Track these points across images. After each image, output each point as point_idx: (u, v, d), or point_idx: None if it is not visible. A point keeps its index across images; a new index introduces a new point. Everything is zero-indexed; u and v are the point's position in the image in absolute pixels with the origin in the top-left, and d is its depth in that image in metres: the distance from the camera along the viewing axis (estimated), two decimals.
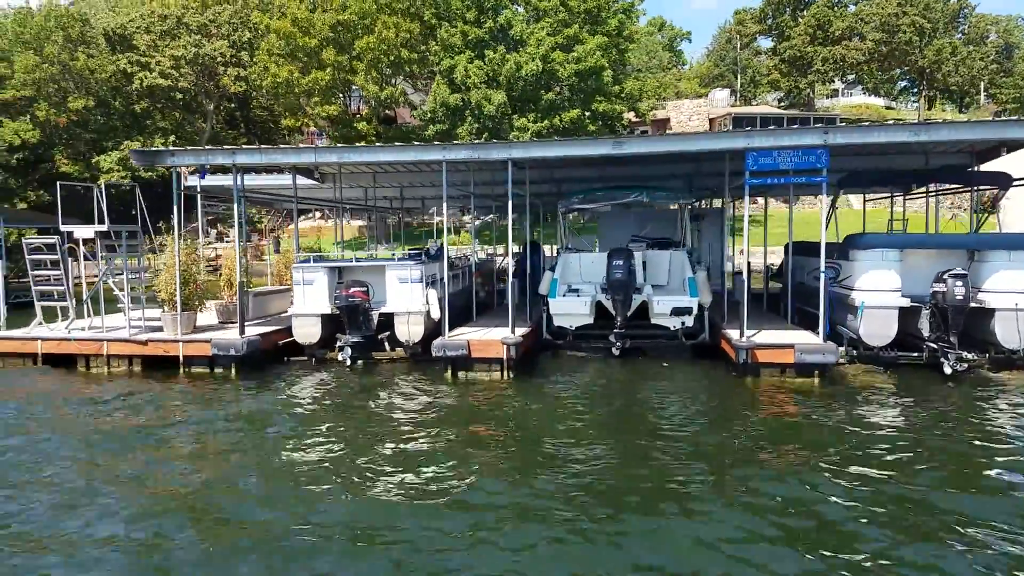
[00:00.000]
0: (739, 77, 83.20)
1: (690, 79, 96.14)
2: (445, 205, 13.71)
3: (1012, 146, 14.76)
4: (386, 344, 14.52)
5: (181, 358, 13.63)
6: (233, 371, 13.44)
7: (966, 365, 12.50)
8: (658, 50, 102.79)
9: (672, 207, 19.85)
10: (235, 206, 13.63)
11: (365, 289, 14.00)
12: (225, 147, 14.13)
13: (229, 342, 13.43)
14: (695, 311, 14.22)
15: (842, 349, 13.29)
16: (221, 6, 53.41)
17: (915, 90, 75.88)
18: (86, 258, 14.19)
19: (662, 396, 11.95)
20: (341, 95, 45.99)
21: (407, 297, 14.12)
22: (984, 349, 13.02)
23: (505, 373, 13.11)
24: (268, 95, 45.67)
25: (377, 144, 14.26)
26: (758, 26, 77.93)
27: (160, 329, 14.19)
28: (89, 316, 14.70)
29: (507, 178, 13.30)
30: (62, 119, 46.19)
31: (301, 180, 18.06)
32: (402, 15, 42.42)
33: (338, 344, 14.08)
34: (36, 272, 14.28)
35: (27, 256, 14.14)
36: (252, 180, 20.48)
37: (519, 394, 12.02)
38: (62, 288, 14.19)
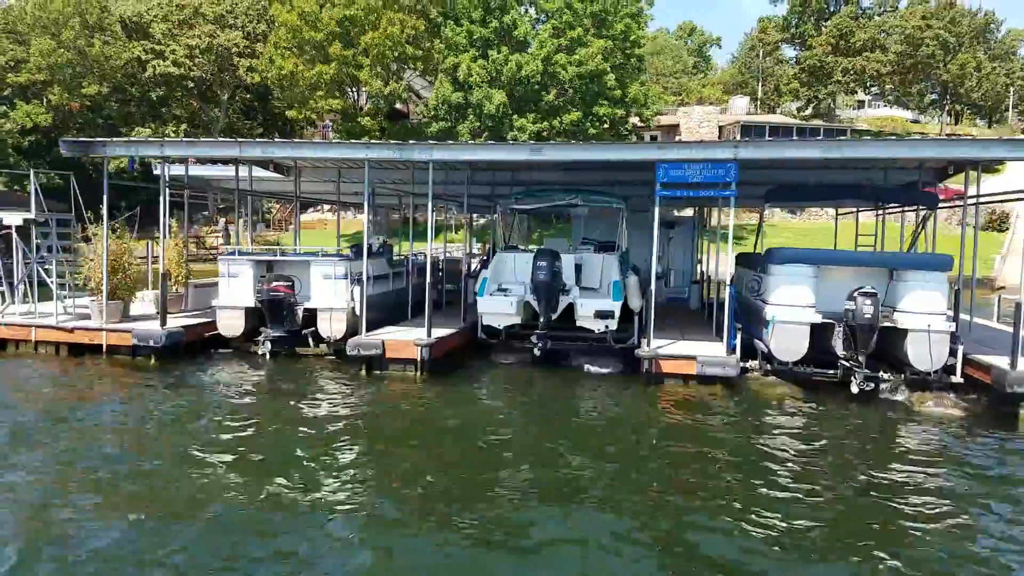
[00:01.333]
0: (761, 85, 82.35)
1: (713, 85, 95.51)
2: (367, 204, 13.83)
3: (956, 166, 14.58)
4: (310, 340, 14.67)
5: (104, 347, 13.93)
6: (152, 360, 13.70)
7: (872, 385, 12.33)
8: (683, 55, 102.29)
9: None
10: (161, 197, 13.86)
11: (289, 284, 14.18)
12: (152, 139, 14.31)
13: (149, 333, 13.68)
14: (618, 315, 14.17)
15: (755, 363, 13.23)
16: None
17: (943, 104, 74.48)
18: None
19: (557, 399, 12.00)
20: (349, 90, 46.33)
21: (331, 293, 14.27)
22: (900, 369, 12.82)
23: (419, 373, 13.18)
24: (273, 87, 46.13)
25: (301, 140, 14.36)
26: (781, 34, 77.04)
27: (89, 317, 14.50)
28: (32, 302, 15.07)
29: (427, 178, 13.37)
30: (75, 104, 47.20)
31: (262, 172, 18.34)
32: (408, 11, 42.69)
33: (258, 338, 14.27)
34: None
35: None
36: (216, 171, 20.83)
37: (421, 395, 12.13)
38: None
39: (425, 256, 19.07)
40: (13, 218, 13.84)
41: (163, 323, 13.97)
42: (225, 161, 18.53)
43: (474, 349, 15.34)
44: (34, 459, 8.41)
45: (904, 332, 12.42)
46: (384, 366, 13.31)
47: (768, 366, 13.18)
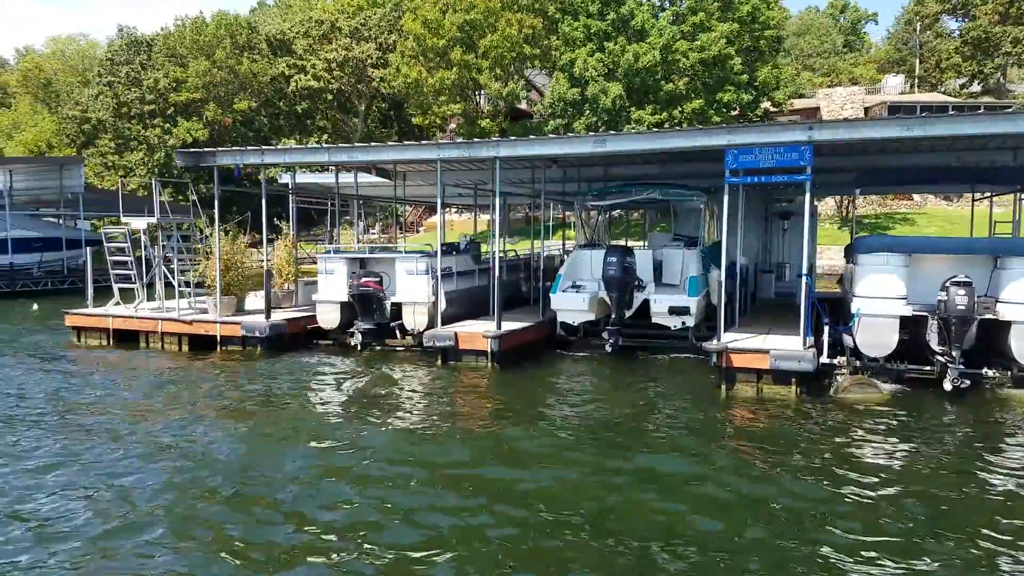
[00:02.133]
0: (919, 62, 76.45)
1: (866, 64, 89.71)
2: (440, 202, 14.33)
3: None
4: (397, 332, 15.40)
5: (218, 338, 15.29)
6: (259, 351, 14.90)
7: (967, 382, 11.38)
8: (832, 34, 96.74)
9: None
10: (263, 201, 15.01)
11: (379, 279, 14.96)
12: (252, 148, 15.50)
13: (255, 325, 14.91)
14: (695, 310, 13.90)
15: (843, 359, 12.55)
16: (372, 10, 56.93)
17: None
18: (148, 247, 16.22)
19: (618, 396, 11.97)
20: (472, 93, 47.53)
21: (414, 288, 14.92)
22: (1007, 366, 11.76)
23: (491, 364, 13.56)
24: (399, 94, 48.12)
25: (389, 144, 15.08)
26: (941, 5, 71.05)
27: (207, 311, 15.96)
28: (167, 299, 16.73)
29: (495, 176, 13.70)
30: (228, 119, 51.38)
31: (369, 178, 19.40)
32: (526, 11, 43.21)
33: (350, 330, 15.15)
34: (113, 258, 16.51)
35: (105, 245, 16.39)
36: (326, 178, 22.18)
37: (484, 384, 12.50)
38: (131, 272, 16.31)
39: (507, 253, 19.40)
40: (137, 223, 15.48)
41: (268, 316, 15.16)
42: (331, 167, 19.73)
43: (554, 344, 15.53)
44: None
45: (1008, 325, 11.41)
46: (458, 357, 13.78)
47: (857, 362, 12.46)
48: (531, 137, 13.99)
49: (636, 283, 14.49)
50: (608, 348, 14.15)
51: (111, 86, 51.56)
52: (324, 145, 14.35)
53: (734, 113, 43.15)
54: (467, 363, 13.77)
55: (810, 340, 12.25)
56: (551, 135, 12.10)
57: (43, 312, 21.86)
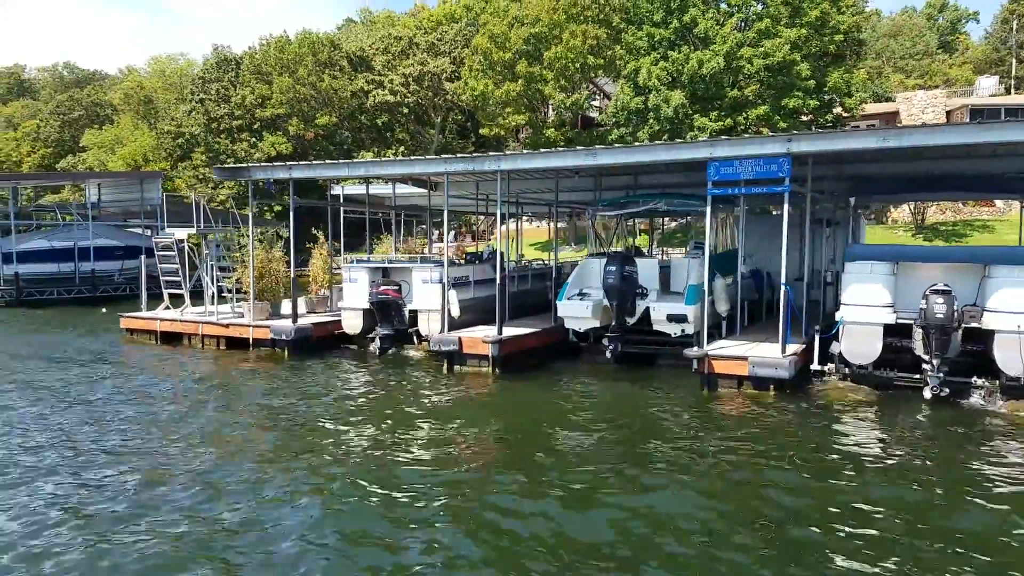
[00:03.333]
0: (1016, 62, 72.65)
1: (962, 65, 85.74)
2: (446, 213, 15.10)
3: None
4: (415, 337, 16.28)
5: (251, 340, 16.56)
6: (286, 353, 16.07)
7: (947, 391, 11.33)
8: (926, 35, 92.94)
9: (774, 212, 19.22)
10: (291, 212, 16.19)
11: (397, 288, 15.88)
12: (280, 163, 16.70)
13: (282, 328, 16.09)
14: (693, 318, 14.16)
15: (831, 366, 12.65)
16: (448, 26, 58.58)
17: None
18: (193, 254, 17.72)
19: (602, 400, 12.44)
20: (539, 103, 48.29)
21: (429, 296, 15.75)
22: (996, 375, 11.62)
23: (493, 369, 14.24)
24: (467, 107, 49.37)
25: (400, 158, 15.93)
26: None
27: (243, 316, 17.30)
28: (212, 303, 18.17)
29: (498, 187, 14.39)
30: (310, 133, 53.90)
31: (409, 189, 20.45)
32: (589, 22, 43.70)
33: (370, 335, 16.12)
34: (163, 266, 18.09)
35: (156, 253, 17.98)
36: (377, 189, 23.36)
37: (478, 387, 13.21)
38: (179, 279, 17.83)
39: (531, 262, 19.98)
40: (179, 233, 16.98)
41: (294, 320, 16.32)
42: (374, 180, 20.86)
43: (566, 350, 16.06)
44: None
45: (991, 333, 11.30)
46: (463, 361, 14.51)
47: (846, 369, 12.53)
48: (526, 151, 14.60)
49: (639, 291, 14.86)
50: (608, 355, 14.59)
51: (202, 103, 54.94)
52: (343, 161, 15.36)
53: (805, 119, 42.34)
54: (471, 367, 14.49)
55: (792, 347, 12.40)
56: (593, 148, 12.52)
57: (111, 315, 23.82)
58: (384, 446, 9.63)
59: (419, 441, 9.90)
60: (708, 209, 12.62)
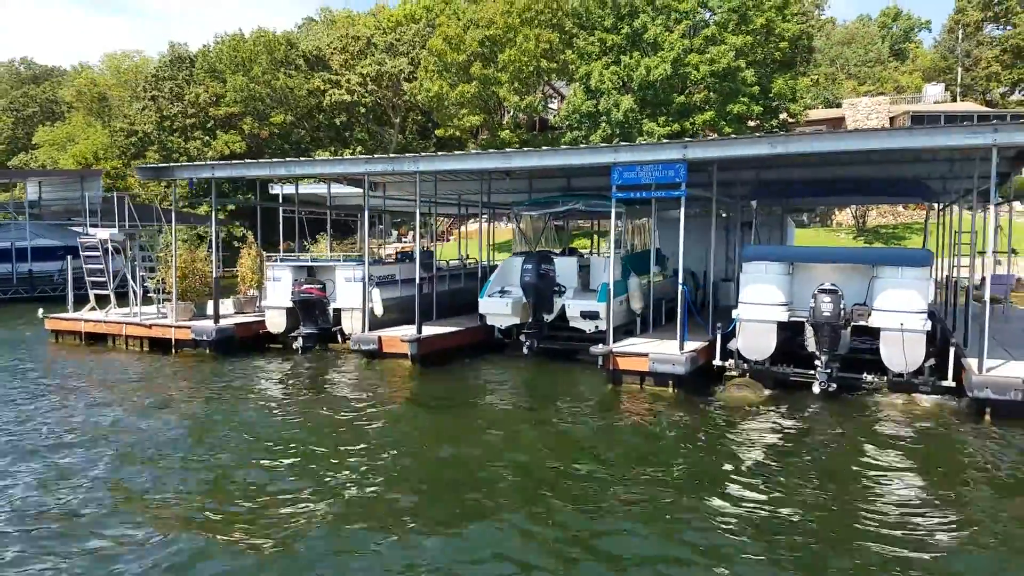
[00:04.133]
0: (962, 70, 74.59)
1: (912, 73, 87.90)
2: (366, 214, 15.29)
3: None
4: (339, 336, 16.41)
5: (173, 340, 16.56)
6: (208, 351, 16.10)
7: (835, 386, 11.80)
8: (877, 43, 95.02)
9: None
10: (212, 213, 16.24)
11: (321, 286, 16.02)
12: (201, 163, 16.75)
13: (204, 329, 16.11)
14: (602, 315, 14.52)
15: (731, 362, 13.07)
16: (408, 26, 58.61)
17: None
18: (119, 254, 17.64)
19: (510, 392, 12.77)
20: (494, 105, 48.54)
21: (352, 295, 15.90)
22: (884, 371, 12.12)
23: (413, 366, 14.45)
24: (423, 107, 49.51)
25: (323, 158, 16.06)
26: (981, 13, 69.32)
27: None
28: (135, 304, 18.11)
29: (416, 188, 14.61)
30: (264, 132, 53.59)
31: (346, 189, 20.51)
32: (543, 26, 44.13)
33: (293, 334, 16.22)
34: (88, 266, 17.98)
35: (81, 253, 17.88)
36: (312, 189, 23.43)
37: (392, 382, 13.42)
38: (104, 279, 17.75)
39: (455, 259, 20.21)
40: (102, 233, 16.92)
41: (216, 320, 16.35)
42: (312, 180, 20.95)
43: (491, 347, 16.33)
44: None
45: (876, 331, 11.80)
46: (383, 358, 14.70)
47: (744, 365, 12.95)
48: (442, 153, 14.82)
49: (556, 288, 15.20)
50: (525, 350, 14.92)
51: (155, 100, 54.33)
52: (269, 160, 15.61)
53: (752, 124, 43.19)
54: (390, 364, 14.68)
55: (692, 344, 12.80)
56: (480, 151, 12.79)
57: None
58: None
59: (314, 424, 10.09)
60: (613, 211, 12.97)
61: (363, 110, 56.92)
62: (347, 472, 8.54)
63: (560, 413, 11.40)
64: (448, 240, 56.87)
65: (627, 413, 11.50)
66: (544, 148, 16.40)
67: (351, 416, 11.11)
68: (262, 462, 8.89)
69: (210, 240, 16.77)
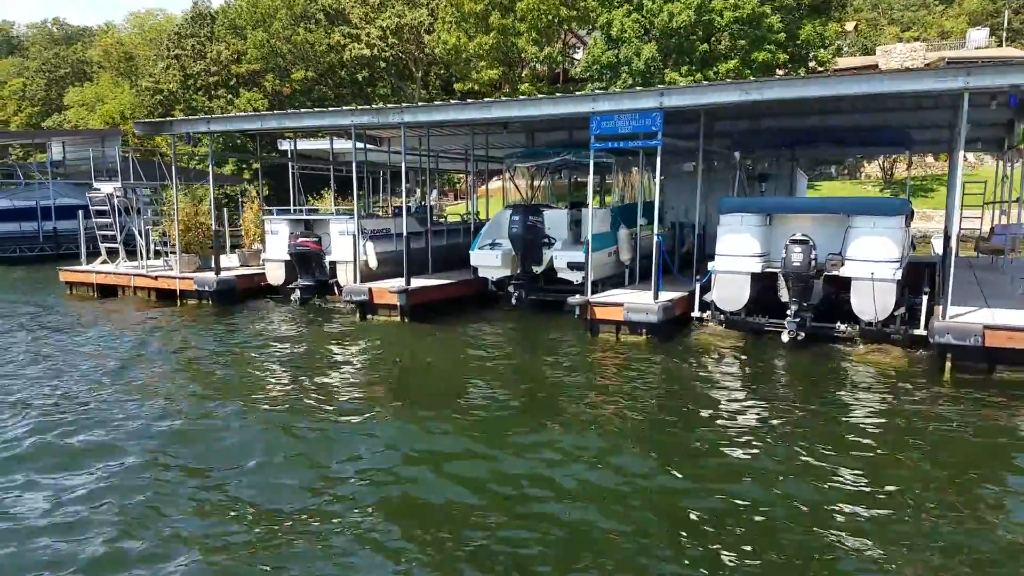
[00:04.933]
0: (1008, 13, 71.76)
1: (958, 17, 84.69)
2: (354, 167, 15.52)
3: None
4: (335, 288, 16.83)
5: (178, 292, 17.16)
6: (210, 302, 16.68)
7: (803, 335, 11.90)
8: None
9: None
10: (210, 166, 16.65)
11: (317, 239, 16.41)
12: (200, 117, 17.10)
13: (205, 280, 16.66)
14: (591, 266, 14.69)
15: (708, 313, 13.21)
16: None
17: None
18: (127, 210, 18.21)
19: (495, 343, 13.13)
20: (516, 58, 48.04)
21: (347, 248, 16.26)
22: (856, 320, 12.17)
23: (402, 317, 14.83)
24: (441, 60, 49.20)
25: (309, 111, 16.18)
26: None
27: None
28: (144, 257, 18.74)
29: (402, 141, 14.80)
30: (287, 89, 53.85)
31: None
32: None
33: (290, 286, 16.69)
34: (97, 220, 18.60)
35: (91, 207, 18.49)
36: (321, 144, 23.67)
37: (384, 334, 13.86)
38: (113, 233, 18.37)
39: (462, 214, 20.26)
40: (107, 187, 17.47)
41: (217, 272, 16.87)
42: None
43: (484, 299, 16.62)
44: None
45: (848, 281, 11.82)
46: (374, 311, 15.11)
47: (721, 316, 13.08)
48: (423, 104, 14.95)
49: (545, 240, 15.38)
50: (513, 302, 15.19)
51: (178, 59, 54.80)
52: (260, 112, 15.93)
53: (781, 73, 42.29)
54: (382, 316, 15.09)
55: (668, 295, 12.96)
56: (485, 100, 12.85)
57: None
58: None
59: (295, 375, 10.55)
60: (591, 163, 13.04)
61: (383, 64, 56.69)
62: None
63: (526, 355, 11.74)
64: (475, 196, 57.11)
65: (598, 360, 11.77)
66: (523, 97, 16.34)
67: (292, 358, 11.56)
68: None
69: (212, 195, 17.10)
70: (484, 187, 53.78)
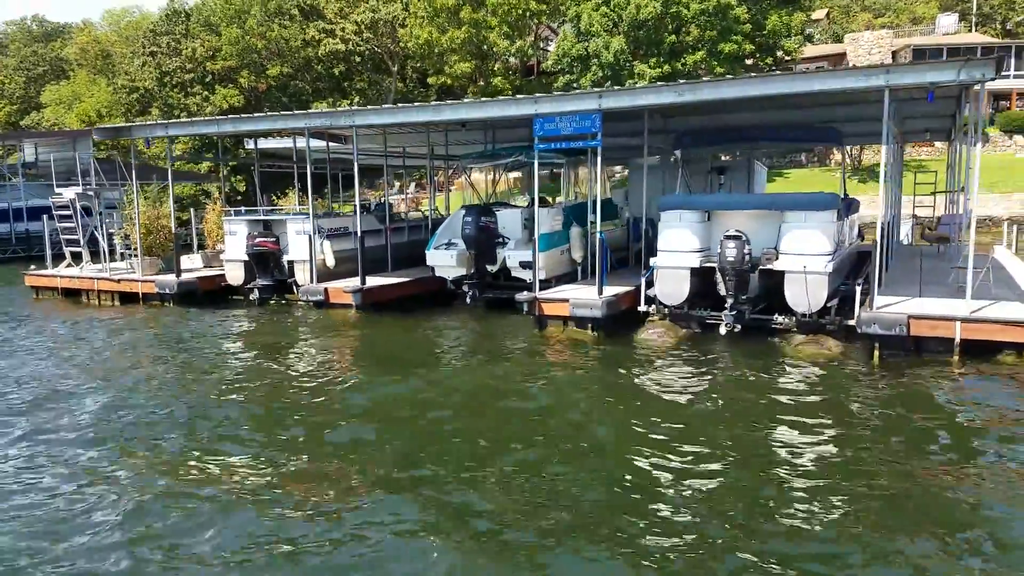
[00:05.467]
0: None
1: (927, 2, 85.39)
2: (308, 168, 15.78)
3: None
4: (294, 287, 17.10)
5: (140, 294, 17.39)
6: (171, 304, 16.92)
7: (739, 327, 12.30)
8: None
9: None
10: (169, 170, 16.87)
11: (275, 239, 16.66)
12: (159, 122, 17.34)
13: (166, 282, 16.90)
14: (541, 264, 15.01)
15: (653, 307, 13.58)
16: None
17: None
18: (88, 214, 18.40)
19: (439, 338, 13.49)
20: (488, 52, 48.22)
21: (304, 247, 16.54)
22: (792, 312, 12.57)
23: (357, 313, 15.16)
24: (413, 55, 49.31)
25: (264, 115, 16.37)
26: None
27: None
28: (106, 260, 18.93)
29: (354, 143, 15.07)
30: (262, 85, 53.82)
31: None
32: None
33: (249, 286, 16.95)
34: (62, 224, 18.77)
35: (54, 212, 18.66)
36: (283, 144, 23.86)
37: (327, 328, 14.20)
38: (76, 237, 18.55)
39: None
40: (68, 192, 17.66)
41: (177, 274, 17.11)
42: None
43: (442, 297, 16.95)
44: None
45: (783, 274, 12.20)
46: (329, 308, 15.42)
47: (665, 310, 13.45)
48: (372, 107, 15.22)
49: (499, 240, 15.70)
50: (468, 300, 15.52)
51: (154, 56, 54.64)
52: (215, 117, 16.18)
53: (749, 63, 42.74)
54: (338, 314, 15.40)
55: (613, 290, 13.33)
56: (435, 103, 13.13)
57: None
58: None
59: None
60: (535, 162, 13.40)
61: (358, 59, 56.70)
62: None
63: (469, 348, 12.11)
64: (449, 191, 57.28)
65: (541, 353, 12.15)
66: (468, 100, 16.70)
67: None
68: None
69: (171, 198, 17.32)
70: (461, 181, 54.48)
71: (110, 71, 64.59)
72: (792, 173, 44.87)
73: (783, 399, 9.44)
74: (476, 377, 10.99)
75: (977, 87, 10.72)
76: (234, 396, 10.00)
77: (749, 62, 42.99)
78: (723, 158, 24.24)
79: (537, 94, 15.03)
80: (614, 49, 40.06)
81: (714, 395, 9.69)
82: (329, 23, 55.57)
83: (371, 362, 12.18)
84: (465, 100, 16.50)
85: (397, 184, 56.36)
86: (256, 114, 17.18)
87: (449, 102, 14.10)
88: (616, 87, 16.15)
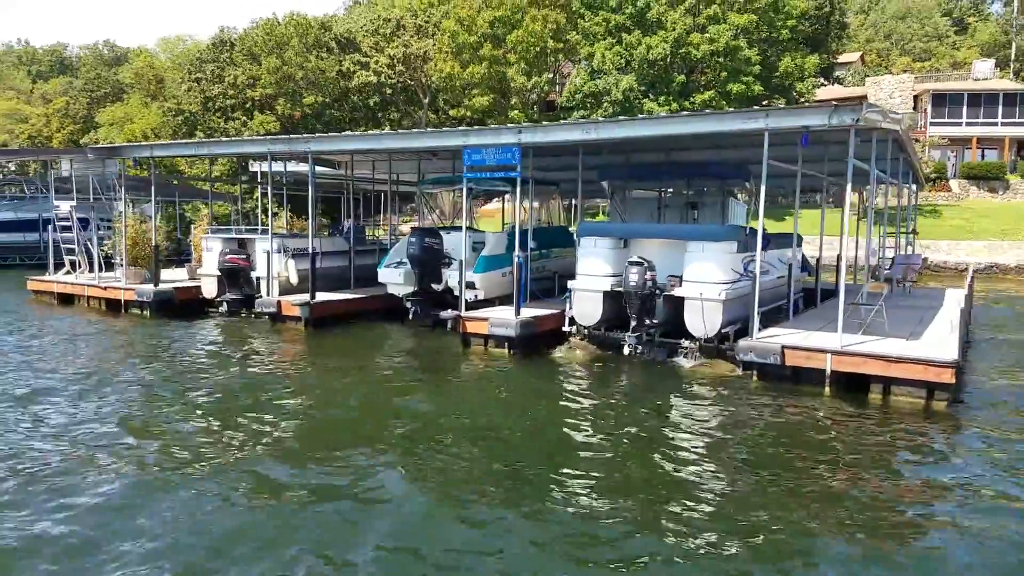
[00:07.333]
0: (1015, 44, 71.72)
1: (970, 48, 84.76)
2: (281, 195, 17.02)
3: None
4: None
5: (123, 302, 18.77)
6: (147, 312, 18.24)
7: (640, 349, 12.98)
8: (934, 16, 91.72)
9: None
10: (152, 190, 18.30)
11: (245, 256, 17.89)
12: (145, 144, 18.80)
13: (144, 291, 18.24)
14: (479, 285, 15.93)
15: (574, 327, 14.34)
16: (437, 8, 60.17)
17: None
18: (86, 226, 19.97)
19: (379, 355, 14.48)
20: (507, 86, 49.69)
21: (271, 264, 17.73)
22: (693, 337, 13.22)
23: (306, 327, 16.23)
24: (437, 88, 51.01)
25: (232, 139, 17.67)
26: None
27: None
28: (101, 269, 20.42)
29: (310, 168, 16.25)
30: (297, 113, 56.16)
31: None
32: (551, 7, 45.08)
33: (218, 299, 18.17)
34: (62, 235, 20.37)
35: (55, 222, 20.28)
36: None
37: (286, 341, 15.25)
38: (74, 246, 20.11)
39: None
40: (63, 205, 19.24)
41: (156, 284, 18.45)
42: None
43: (393, 314, 17.92)
44: None
45: (683, 300, 12.88)
46: (283, 321, 16.53)
47: (585, 331, 14.20)
48: (329, 135, 16.37)
49: (444, 260, 16.66)
50: (410, 316, 16.47)
51: (199, 82, 57.57)
52: (193, 140, 17.56)
53: (764, 104, 43.30)
54: (289, 326, 16.49)
55: (533, 312, 14.15)
56: (376, 132, 14.33)
57: None
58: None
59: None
60: (465, 189, 14.35)
61: (390, 91, 58.80)
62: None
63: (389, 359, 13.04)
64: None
65: (455, 369, 13.02)
66: (412, 131, 17.79)
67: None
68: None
69: (154, 213, 18.78)
70: (483, 207, 55.76)
71: (161, 95, 68.02)
72: (804, 213, 44.86)
73: (653, 407, 10.13)
74: (372, 387, 11.81)
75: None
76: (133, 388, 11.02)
77: (765, 103, 43.55)
78: (690, 193, 24.98)
79: (464, 127, 15.96)
80: (623, 87, 41.07)
81: (592, 403, 10.41)
82: (364, 56, 57.88)
83: (292, 369, 13.08)
84: (413, 131, 17.59)
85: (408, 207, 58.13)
86: (223, 139, 18.54)
87: (388, 131, 15.24)
88: (544, 123, 17.07)
